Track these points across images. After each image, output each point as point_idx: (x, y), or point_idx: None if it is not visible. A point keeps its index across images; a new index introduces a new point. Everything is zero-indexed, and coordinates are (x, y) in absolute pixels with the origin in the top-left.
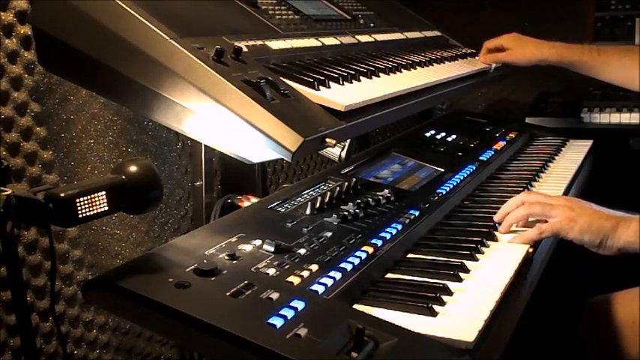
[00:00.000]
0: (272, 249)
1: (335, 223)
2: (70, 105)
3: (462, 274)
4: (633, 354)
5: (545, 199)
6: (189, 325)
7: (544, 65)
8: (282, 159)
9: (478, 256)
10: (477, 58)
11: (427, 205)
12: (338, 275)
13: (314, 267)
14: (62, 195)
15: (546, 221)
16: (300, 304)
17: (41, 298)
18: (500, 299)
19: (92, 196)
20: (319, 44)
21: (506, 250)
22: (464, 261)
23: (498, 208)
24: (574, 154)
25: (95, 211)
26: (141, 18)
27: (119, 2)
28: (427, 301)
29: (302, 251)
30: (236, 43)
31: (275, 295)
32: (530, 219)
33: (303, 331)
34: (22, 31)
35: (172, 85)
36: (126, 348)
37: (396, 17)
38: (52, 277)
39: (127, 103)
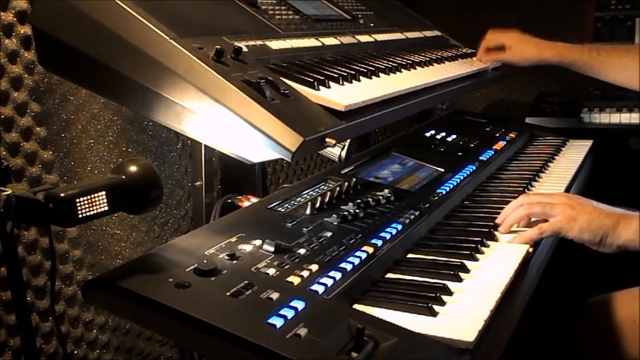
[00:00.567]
0: (272, 249)
1: (335, 223)
2: (70, 105)
3: (462, 274)
4: (633, 354)
5: (545, 199)
6: (189, 325)
7: (543, 65)
8: (282, 159)
9: (478, 256)
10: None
11: (427, 205)
12: (338, 275)
13: (314, 267)
14: (62, 195)
15: (547, 220)
16: (300, 304)
17: (41, 298)
18: (500, 299)
19: (92, 196)
20: (319, 44)
21: (506, 250)
22: (464, 261)
23: (498, 208)
24: (574, 154)
25: (95, 211)
26: (141, 18)
27: (119, 2)
28: (427, 301)
29: (302, 251)
30: (236, 43)
31: (275, 295)
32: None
33: (303, 331)
34: (22, 31)
35: (172, 85)
36: (126, 348)
37: (396, 17)
38: (52, 277)
39: (127, 103)
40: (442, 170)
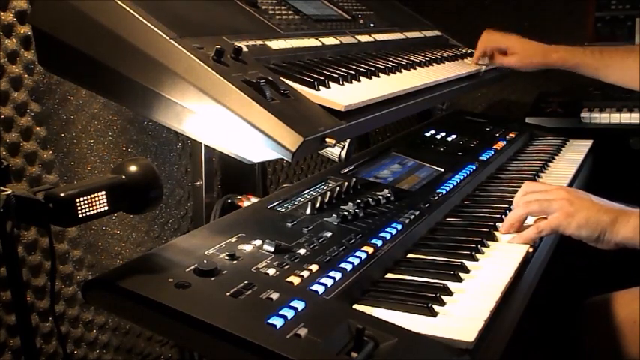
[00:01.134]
0: (272, 249)
1: (335, 223)
2: (70, 105)
3: (462, 274)
4: (633, 354)
5: (544, 195)
6: (189, 325)
7: (545, 71)
8: (282, 159)
9: (478, 256)
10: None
11: (427, 205)
12: (338, 275)
13: (314, 267)
14: (62, 195)
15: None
16: (300, 304)
17: (41, 298)
18: (500, 299)
19: (92, 196)
20: (319, 44)
21: (506, 250)
22: (464, 261)
23: (498, 208)
24: (574, 154)
25: (95, 211)
26: (141, 18)
27: (119, 2)
28: (427, 301)
29: (302, 251)
30: (236, 43)
31: (275, 295)
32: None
33: (303, 331)
34: (22, 31)
35: (172, 85)
36: (126, 348)
37: (396, 17)
38: (52, 277)
39: (127, 103)
40: (442, 170)
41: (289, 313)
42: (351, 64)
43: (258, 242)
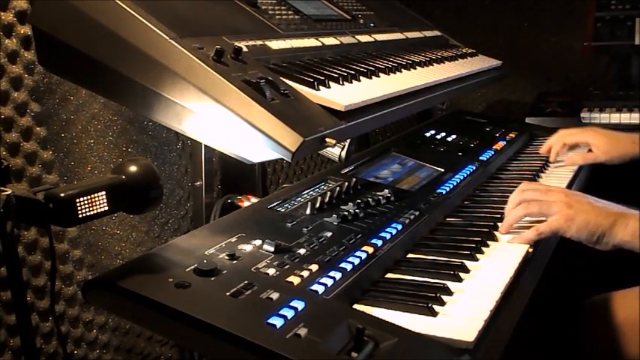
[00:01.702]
0: (272, 249)
1: (335, 223)
2: (70, 105)
3: (462, 274)
4: (633, 354)
5: (543, 196)
6: (189, 325)
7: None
8: (282, 159)
9: (478, 256)
10: (477, 57)
11: (427, 205)
12: (338, 275)
13: (314, 267)
14: (62, 195)
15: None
16: (300, 304)
17: (41, 298)
18: (500, 299)
19: (92, 196)
20: (319, 44)
21: (506, 250)
22: (464, 261)
23: (498, 208)
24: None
25: (95, 211)
26: (141, 18)
27: (119, 2)
28: (427, 301)
29: (302, 251)
30: (236, 43)
31: (275, 295)
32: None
33: (303, 331)
34: (22, 31)
35: (172, 85)
36: (126, 348)
37: (396, 17)
38: (52, 277)
39: (127, 103)
40: (442, 170)
41: (289, 313)
42: (351, 64)
43: (258, 242)
